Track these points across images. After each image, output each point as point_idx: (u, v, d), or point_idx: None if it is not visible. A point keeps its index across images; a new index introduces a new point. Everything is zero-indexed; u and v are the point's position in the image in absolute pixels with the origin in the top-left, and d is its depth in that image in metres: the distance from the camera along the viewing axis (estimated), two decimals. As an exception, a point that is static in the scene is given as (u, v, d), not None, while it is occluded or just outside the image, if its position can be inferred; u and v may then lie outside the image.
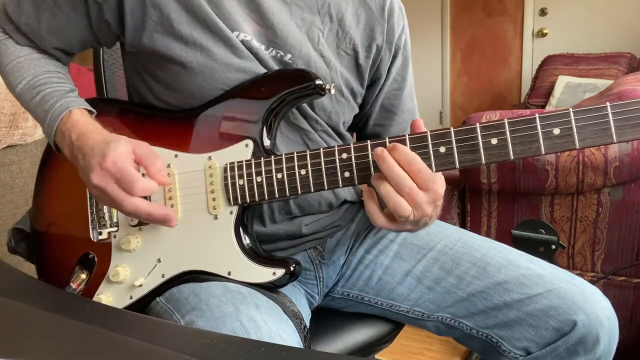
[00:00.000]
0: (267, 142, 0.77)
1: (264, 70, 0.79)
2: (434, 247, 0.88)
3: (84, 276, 0.82)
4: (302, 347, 0.72)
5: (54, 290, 0.74)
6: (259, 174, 0.75)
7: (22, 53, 0.84)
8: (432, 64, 4.37)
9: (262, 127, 0.76)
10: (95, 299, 0.80)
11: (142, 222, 0.80)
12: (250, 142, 0.76)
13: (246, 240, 0.77)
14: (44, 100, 0.80)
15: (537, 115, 0.65)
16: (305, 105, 0.82)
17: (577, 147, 0.64)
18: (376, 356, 1.04)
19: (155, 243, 0.79)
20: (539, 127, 0.64)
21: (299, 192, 0.73)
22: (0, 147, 1.70)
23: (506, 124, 0.65)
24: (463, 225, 1.70)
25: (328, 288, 0.94)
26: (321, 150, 0.72)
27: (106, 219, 0.82)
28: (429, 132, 0.68)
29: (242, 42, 0.77)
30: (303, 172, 0.73)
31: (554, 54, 3.44)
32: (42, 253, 0.89)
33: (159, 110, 0.83)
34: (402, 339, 1.68)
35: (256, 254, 0.77)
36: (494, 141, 0.66)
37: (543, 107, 3.17)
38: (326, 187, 0.73)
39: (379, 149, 0.67)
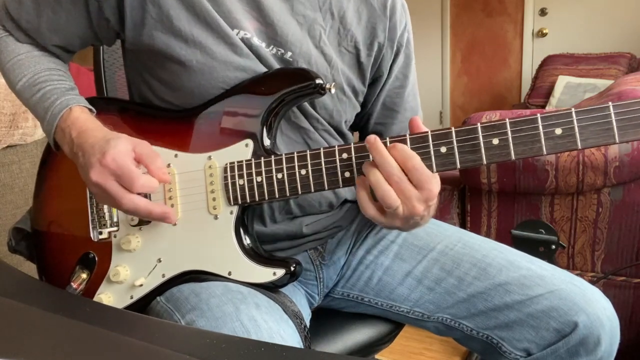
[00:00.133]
0: (267, 141, 0.77)
1: (264, 69, 0.79)
2: (434, 247, 0.88)
3: (84, 276, 0.82)
4: (302, 347, 0.72)
5: (54, 290, 0.74)
6: (259, 173, 0.74)
7: (22, 50, 0.84)
8: (432, 64, 4.36)
9: (262, 127, 0.76)
10: (95, 298, 0.80)
11: (143, 221, 0.79)
12: (250, 142, 0.76)
13: (246, 240, 0.77)
14: (44, 98, 0.80)
15: (538, 115, 0.64)
16: (306, 104, 0.82)
17: (579, 148, 0.63)
18: (376, 356, 1.04)
19: (155, 243, 0.79)
20: (540, 127, 0.64)
21: (299, 192, 0.73)
22: (0, 147, 1.70)
23: (507, 124, 0.65)
24: (463, 225, 1.70)
25: (328, 288, 0.94)
26: (321, 150, 0.72)
27: (106, 218, 0.82)
28: (430, 132, 0.68)
29: (242, 40, 0.77)
30: (303, 172, 0.73)
31: (554, 54, 3.44)
32: (42, 253, 0.89)
33: (158, 110, 0.83)
34: (402, 339, 1.68)
35: (256, 254, 0.77)
36: (496, 141, 0.66)
37: (543, 107, 3.17)
38: (326, 187, 0.73)
39: (372, 137, 0.68)
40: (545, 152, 0.64)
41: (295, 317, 0.74)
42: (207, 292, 0.72)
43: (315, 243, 0.90)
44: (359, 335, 0.92)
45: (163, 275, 0.78)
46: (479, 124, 0.66)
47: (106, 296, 0.80)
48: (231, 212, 0.76)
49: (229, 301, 0.69)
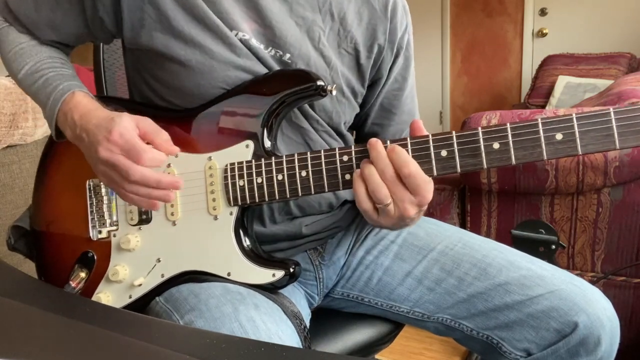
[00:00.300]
0: (267, 143, 0.77)
1: (264, 69, 0.79)
2: (434, 248, 0.87)
3: (83, 275, 0.82)
4: (302, 347, 0.72)
5: (54, 290, 0.74)
6: (259, 174, 0.74)
7: (23, 40, 0.85)
8: (432, 64, 4.36)
9: (262, 128, 0.76)
10: (94, 298, 0.80)
11: (142, 221, 0.79)
12: (250, 143, 0.76)
13: (246, 241, 0.77)
14: (46, 84, 0.80)
15: (539, 120, 0.64)
16: (306, 106, 0.82)
17: (580, 153, 0.63)
18: (376, 356, 1.04)
19: (155, 243, 0.79)
20: (541, 132, 0.64)
21: (300, 194, 0.73)
22: (0, 147, 1.70)
23: (508, 128, 0.65)
24: (463, 225, 1.70)
25: (328, 289, 0.94)
26: (322, 152, 0.72)
27: (106, 217, 0.82)
28: (430, 135, 0.68)
29: (241, 40, 0.77)
30: (304, 173, 0.73)
31: (554, 54, 3.44)
32: (41, 251, 0.89)
33: (159, 109, 0.83)
34: (402, 339, 1.68)
35: (256, 255, 0.77)
36: (496, 146, 0.66)
37: (543, 107, 3.17)
38: (327, 189, 0.73)
39: (373, 140, 0.69)
40: (545, 157, 0.65)
41: (295, 317, 0.74)
42: (206, 293, 0.72)
43: (315, 243, 0.90)
44: (359, 335, 0.92)
45: (162, 275, 0.78)
46: (479, 129, 0.66)
47: (105, 295, 0.80)
48: (231, 213, 0.76)
49: (227, 302, 0.69)
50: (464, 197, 1.69)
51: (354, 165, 0.71)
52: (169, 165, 0.78)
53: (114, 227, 0.81)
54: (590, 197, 1.47)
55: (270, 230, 0.84)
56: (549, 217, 1.54)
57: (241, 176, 0.75)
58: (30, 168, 1.80)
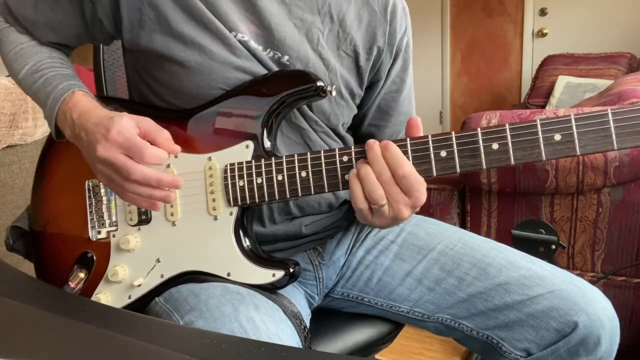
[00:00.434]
0: (267, 143, 0.76)
1: (263, 70, 0.78)
2: (434, 247, 0.87)
3: (82, 275, 0.82)
4: (302, 347, 0.72)
5: (53, 290, 0.74)
6: (259, 175, 0.74)
7: (24, 40, 0.85)
8: (432, 64, 4.36)
9: (262, 128, 0.76)
10: (93, 298, 0.80)
11: (142, 221, 0.79)
12: (250, 143, 0.76)
13: (246, 242, 0.77)
14: (46, 83, 0.80)
15: (538, 120, 0.65)
16: (305, 107, 0.82)
17: (578, 154, 0.64)
18: (376, 356, 1.04)
19: (154, 243, 0.79)
20: (540, 132, 0.65)
21: (299, 194, 0.73)
22: (0, 147, 1.70)
23: (507, 129, 0.66)
24: (463, 225, 1.70)
25: (328, 289, 0.94)
26: (322, 152, 0.72)
27: (105, 218, 0.82)
28: (430, 136, 0.68)
29: (240, 42, 0.77)
30: (303, 174, 0.73)
31: (554, 54, 3.44)
32: (40, 251, 0.89)
33: (159, 110, 0.83)
34: (402, 339, 1.68)
35: (256, 255, 0.77)
36: (495, 146, 0.66)
37: (543, 107, 3.17)
38: (327, 190, 0.73)
39: (371, 141, 0.69)
40: (544, 158, 0.65)
41: (295, 317, 0.74)
42: (206, 293, 0.72)
43: (315, 243, 0.90)
44: (359, 335, 0.92)
45: (162, 276, 0.78)
46: (479, 129, 0.67)
47: (104, 296, 0.80)
48: (231, 213, 0.76)
49: (227, 302, 0.69)
50: (464, 197, 1.69)
51: (354, 166, 0.71)
52: (168, 166, 0.78)
53: (114, 228, 0.81)
54: (590, 197, 1.47)
55: (270, 231, 0.84)
56: (549, 217, 1.54)
57: (241, 176, 0.75)
58: (30, 168, 1.80)
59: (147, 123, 0.73)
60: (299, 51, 0.80)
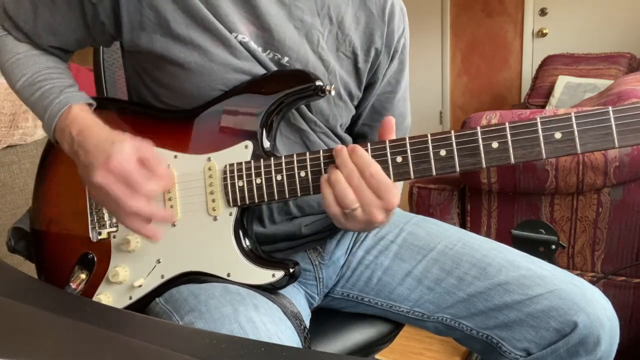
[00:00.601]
0: (266, 143, 0.77)
1: (263, 71, 0.78)
2: (434, 247, 0.87)
3: (83, 276, 0.82)
4: (302, 347, 0.72)
5: (54, 290, 0.74)
6: (258, 175, 0.74)
7: (21, 49, 0.84)
8: (432, 64, 4.37)
9: (261, 128, 0.76)
10: (94, 299, 0.80)
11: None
12: (250, 144, 0.76)
13: (245, 242, 0.77)
14: (43, 97, 0.80)
15: (538, 119, 0.64)
16: (303, 107, 0.82)
17: (579, 152, 0.63)
18: (376, 356, 1.04)
19: (154, 244, 0.79)
20: (540, 131, 0.64)
21: (299, 194, 0.73)
22: (0, 147, 1.70)
23: (507, 127, 0.65)
24: (463, 225, 1.70)
25: (328, 288, 0.94)
26: (321, 152, 0.72)
27: (106, 219, 0.82)
28: (429, 135, 0.68)
29: (241, 43, 0.77)
30: (303, 174, 0.73)
31: (554, 54, 3.44)
32: (41, 252, 0.89)
33: (158, 111, 0.83)
34: (402, 339, 1.68)
35: (255, 256, 0.77)
36: (495, 145, 0.66)
37: (543, 107, 3.17)
38: (326, 189, 0.73)
39: (339, 147, 0.69)
40: (544, 156, 0.64)
41: (295, 317, 0.74)
42: (206, 294, 0.72)
43: (315, 243, 0.90)
44: (359, 335, 0.92)
45: (162, 276, 0.78)
46: (478, 128, 0.66)
47: (105, 296, 0.80)
48: (230, 214, 0.76)
49: (227, 303, 0.69)
50: (464, 197, 1.69)
51: None
52: (168, 166, 0.78)
53: (114, 229, 0.81)
54: (590, 197, 1.47)
55: (269, 231, 0.84)
56: (549, 217, 1.54)
57: (240, 177, 0.75)
58: (30, 168, 1.80)
59: (147, 151, 0.72)
60: (299, 52, 0.80)
